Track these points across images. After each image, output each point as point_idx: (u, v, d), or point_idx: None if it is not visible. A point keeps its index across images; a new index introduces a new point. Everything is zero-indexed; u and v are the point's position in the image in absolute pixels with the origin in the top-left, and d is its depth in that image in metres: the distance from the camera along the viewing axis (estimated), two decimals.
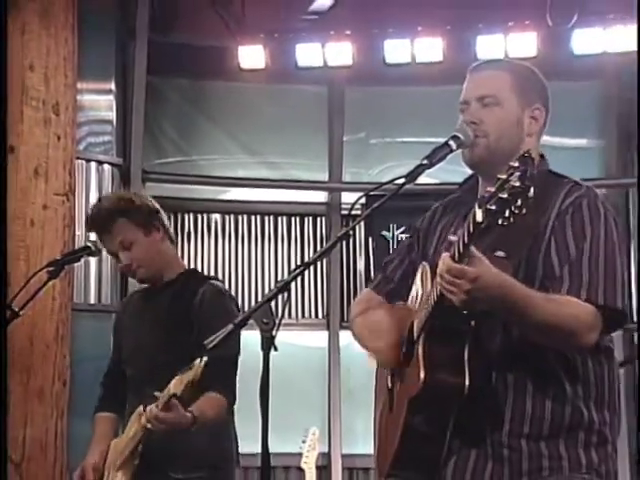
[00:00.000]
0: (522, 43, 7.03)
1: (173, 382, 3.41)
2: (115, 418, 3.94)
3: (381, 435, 2.85)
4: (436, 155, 2.63)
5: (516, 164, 2.27)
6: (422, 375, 2.51)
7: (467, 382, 2.49)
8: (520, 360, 2.58)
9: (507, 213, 2.25)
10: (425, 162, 2.65)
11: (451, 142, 2.65)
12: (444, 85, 7.35)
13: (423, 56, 7.17)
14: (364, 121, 7.92)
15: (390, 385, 2.79)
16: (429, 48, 7.14)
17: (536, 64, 7.69)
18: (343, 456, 7.51)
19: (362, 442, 7.55)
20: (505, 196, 2.24)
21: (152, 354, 3.75)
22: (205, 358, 3.34)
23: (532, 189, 2.25)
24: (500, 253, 2.52)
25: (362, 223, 7.42)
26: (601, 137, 7.71)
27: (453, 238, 2.40)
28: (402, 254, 2.97)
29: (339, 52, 7.19)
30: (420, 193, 6.83)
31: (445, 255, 2.39)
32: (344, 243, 8.67)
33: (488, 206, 2.25)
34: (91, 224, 3.84)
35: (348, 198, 7.73)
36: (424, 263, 2.64)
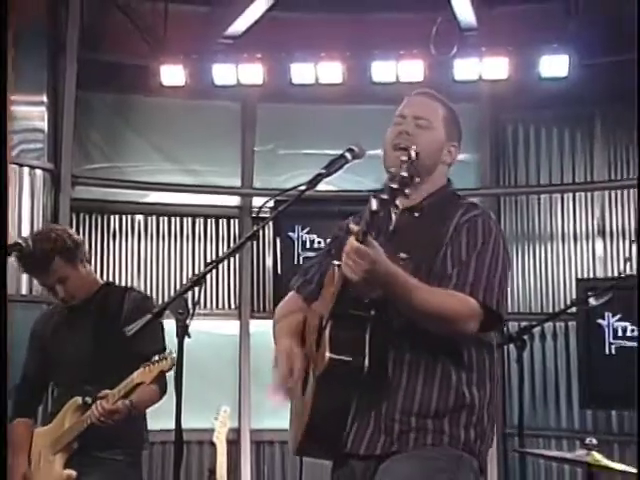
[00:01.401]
0: (411, 69, 7.09)
1: (138, 372, 3.43)
2: (32, 423, 3.95)
3: (295, 415, 2.83)
4: (333, 165, 2.68)
5: (404, 158, 2.38)
6: (327, 355, 2.53)
7: (367, 362, 2.52)
8: (414, 348, 2.63)
9: (397, 201, 2.35)
10: (323, 171, 2.68)
11: (347, 154, 2.70)
12: (344, 104, 7.42)
13: (325, 78, 7.17)
14: (273, 134, 7.92)
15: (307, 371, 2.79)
16: (330, 71, 7.15)
17: (422, 87, 7.72)
18: (251, 431, 7.50)
19: (268, 418, 7.56)
20: (395, 186, 2.34)
21: (84, 360, 3.74)
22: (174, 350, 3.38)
23: (416, 179, 2.37)
24: (403, 255, 2.59)
25: (271, 224, 7.40)
26: (477, 152, 7.84)
27: (355, 227, 2.43)
28: (321, 258, 2.99)
29: (251, 73, 7.17)
30: (322, 199, 6.92)
31: (352, 238, 2.43)
32: (254, 242, 8.66)
33: (381, 196, 2.34)
34: (27, 264, 3.79)
35: (258, 202, 7.71)
36: (334, 262, 2.63)
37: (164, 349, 3.62)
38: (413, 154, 2.40)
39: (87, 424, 3.57)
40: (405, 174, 2.35)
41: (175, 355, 3.32)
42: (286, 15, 7.13)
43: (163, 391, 3.71)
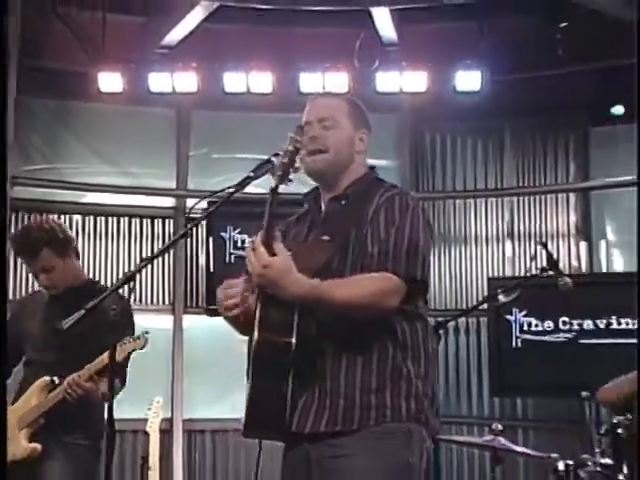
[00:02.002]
0: (336, 81, 7.13)
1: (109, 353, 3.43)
2: None
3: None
4: (260, 169, 2.67)
5: (294, 136, 2.51)
6: (256, 335, 2.52)
7: (294, 340, 2.50)
8: (349, 327, 2.59)
9: (290, 176, 2.51)
10: (251, 174, 2.68)
11: (273, 159, 2.66)
12: (273, 112, 7.42)
13: (256, 87, 7.18)
14: (207, 139, 7.89)
15: None
16: (261, 81, 7.16)
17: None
18: (183, 421, 7.46)
19: (200, 409, 7.54)
20: (286, 161, 2.50)
21: (57, 344, 3.73)
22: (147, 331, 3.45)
23: (300, 151, 2.53)
24: (325, 237, 2.63)
25: (204, 225, 7.44)
26: (397, 159, 7.91)
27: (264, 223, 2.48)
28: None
29: (186, 81, 7.14)
30: (252, 201, 6.89)
31: (258, 235, 2.48)
32: (189, 241, 8.54)
33: (277, 173, 2.50)
34: (18, 248, 3.90)
35: (192, 203, 7.65)
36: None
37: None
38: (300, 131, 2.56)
39: (58, 399, 3.59)
40: (291, 148, 2.52)
41: (147, 336, 3.41)
42: (219, 27, 7.11)
43: (123, 384, 3.78)
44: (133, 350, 3.51)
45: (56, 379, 3.66)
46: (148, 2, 6.53)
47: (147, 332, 3.57)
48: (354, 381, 2.59)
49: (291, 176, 2.58)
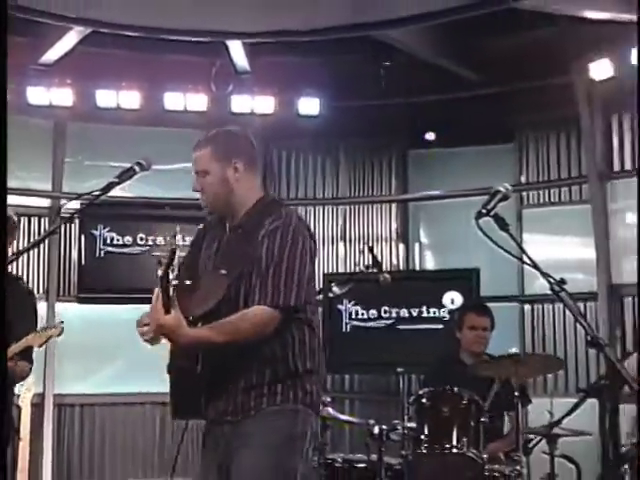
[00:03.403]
0: (197, 101, 7.14)
1: (30, 337, 3.41)
2: None
3: None
4: (124, 175, 2.70)
5: (171, 240, 2.44)
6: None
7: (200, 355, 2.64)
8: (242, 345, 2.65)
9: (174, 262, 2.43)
10: (116, 180, 2.67)
11: (135, 167, 2.77)
12: (140, 126, 7.31)
13: (125, 104, 7.09)
14: (81, 148, 7.65)
15: None
16: (130, 98, 7.07)
17: (208, 117, 7.77)
18: (54, 395, 7.22)
19: (70, 385, 7.31)
20: (167, 260, 2.43)
21: None
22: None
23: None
24: (223, 271, 2.63)
25: (77, 223, 7.26)
26: None
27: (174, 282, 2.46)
28: (185, 259, 2.95)
29: (62, 96, 6.97)
30: (120, 203, 6.82)
31: (160, 298, 2.46)
32: (63, 238, 8.19)
33: (163, 266, 2.43)
34: None
35: (67, 205, 7.42)
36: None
37: (35, 328, 3.59)
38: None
39: None
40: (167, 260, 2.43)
41: (63, 325, 3.31)
42: (94, 50, 6.92)
43: (31, 368, 3.68)
44: (50, 337, 3.40)
45: None
46: (28, 24, 6.28)
47: (62, 321, 3.48)
48: (251, 378, 2.66)
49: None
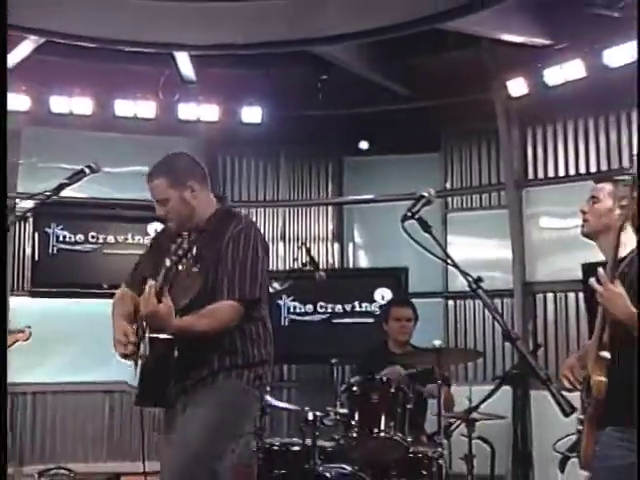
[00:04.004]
0: (145, 108, 7.07)
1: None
2: None
3: None
4: (74, 177, 2.72)
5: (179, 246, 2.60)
6: (147, 335, 2.73)
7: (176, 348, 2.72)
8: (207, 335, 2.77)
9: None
10: (66, 181, 2.67)
11: (85, 169, 2.80)
12: (92, 131, 7.21)
13: (78, 110, 6.99)
14: (35, 151, 7.49)
15: None
16: (82, 105, 6.98)
17: (156, 124, 7.63)
18: (8, 384, 7.02)
19: (22, 374, 7.14)
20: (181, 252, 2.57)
21: None
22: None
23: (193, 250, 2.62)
24: (195, 269, 2.75)
25: (31, 221, 7.13)
26: None
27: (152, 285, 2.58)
28: (142, 258, 3.05)
29: (17, 101, 6.81)
30: (73, 203, 6.73)
31: (153, 286, 2.56)
32: (17, 235, 7.98)
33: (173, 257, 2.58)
34: None
35: (22, 204, 7.25)
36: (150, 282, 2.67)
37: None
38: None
39: None
40: (180, 252, 2.58)
41: (31, 330, 3.19)
42: (48, 58, 6.81)
43: None
44: (17, 341, 3.32)
45: None
46: None
47: (29, 326, 3.40)
48: (212, 365, 2.80)
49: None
